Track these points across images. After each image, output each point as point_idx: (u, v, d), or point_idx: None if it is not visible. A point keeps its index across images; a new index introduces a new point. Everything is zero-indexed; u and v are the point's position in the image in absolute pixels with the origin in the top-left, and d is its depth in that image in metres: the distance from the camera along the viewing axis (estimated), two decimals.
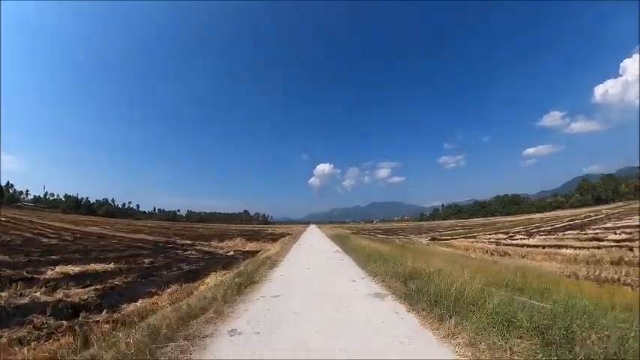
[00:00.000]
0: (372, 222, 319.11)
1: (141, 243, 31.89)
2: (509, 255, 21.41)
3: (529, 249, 23.42)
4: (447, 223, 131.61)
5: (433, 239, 38.27)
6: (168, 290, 10.85)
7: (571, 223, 53.48)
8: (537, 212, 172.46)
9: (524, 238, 32.40)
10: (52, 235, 34.83)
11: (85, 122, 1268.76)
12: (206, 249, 27.21)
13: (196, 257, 21.47)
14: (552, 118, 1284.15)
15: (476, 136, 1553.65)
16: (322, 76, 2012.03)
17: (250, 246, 28.76)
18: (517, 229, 50.39)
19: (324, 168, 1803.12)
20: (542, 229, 45.69)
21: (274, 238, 44.07)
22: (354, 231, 73.10)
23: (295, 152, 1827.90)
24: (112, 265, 16.49)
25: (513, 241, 29.86)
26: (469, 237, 39.82)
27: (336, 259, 16.17)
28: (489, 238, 35.16)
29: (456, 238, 39.30)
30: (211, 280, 11.99)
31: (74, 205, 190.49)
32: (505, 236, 37.03)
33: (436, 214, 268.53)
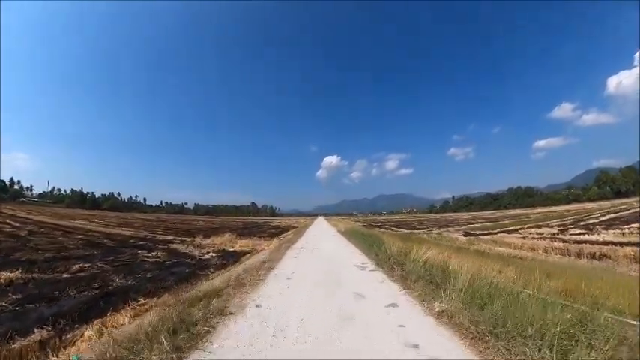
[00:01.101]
0: (381, 214, 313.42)
1: (108, 239, 25.85)
2: (607, 256, 14.93)
3: (613, 246, 17.02)
4: (463, 215, 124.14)
5: (467, 234, 31.77)
6: None
7: (614, 215, 46.51)
8: (553, 205, 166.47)
9: (584, 233, 25.86)
10: (6, 230, 29.08)
11: (95, 121, 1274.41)
12: (182, 248, 20.99)
13: (155, 262, 15.24)
14: (563, 110, 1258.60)
15: (485, 127, 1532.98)
16: (331, 69, 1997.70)
17: (241, 244, 22.49)
18: (555, 222, 43.56)
19: (331, 160, 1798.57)
20: (589, 221, 38.87)
21: (275, 233, 38.28)
22: (366, 224, 66.82)
23: (304, 144, 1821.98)
24: (17, 274, 10.91)
25: (577, 237, 23.28)
26: (509, 231, 33.21)
27: (382, 296, 7.06)
28: (539, 233, 28.59)
29: (493, 232, 32.73)
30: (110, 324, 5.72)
31: (79, 200, 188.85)
32: (554, 230, 30.41)
33: (447, 207, 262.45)
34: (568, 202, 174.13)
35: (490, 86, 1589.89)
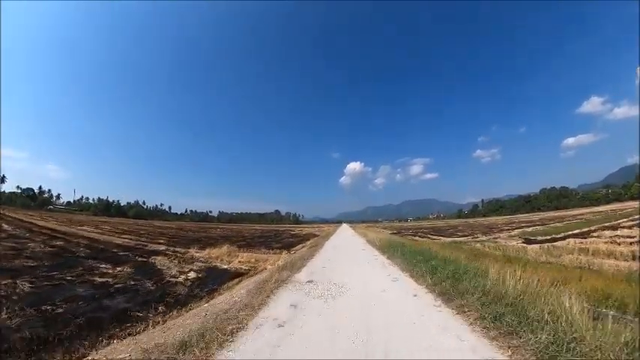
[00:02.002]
0: (407, 220, 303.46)
1: (87, 248, 21.19)
2: None
3: None
4: (499, 219, 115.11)
5: (529, 241, 25.45)
6: None
7: None
8: (592, 205, 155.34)
9: None
10: None
11: (127, 132, 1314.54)
12: (162, 263, 15.93)
13: (101, 285, 10.28)
14: (592, 105, 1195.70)
15: (511, 127, 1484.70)
16: (354, 74, 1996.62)
17: (241, 259, 17.32)
18: (625, 222, 36.19)
19: (354, 166, 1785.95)
20: None
21: (292, 243, 33.19)
22: (395, 231, 60.75)
23: (326, 151, 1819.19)
24: None
25: None
26: (577, 235, 26.66)
27: None
28: (624, 236, 22.20)
29: (559, 238, 26.25)
30: None
31: (104, 208, 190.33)
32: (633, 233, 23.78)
33: (476, 211, 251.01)
34: (608, 202, 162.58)
35: (514, 85, 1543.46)
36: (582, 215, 72.08)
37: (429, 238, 35.69)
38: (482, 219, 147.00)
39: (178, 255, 19.42)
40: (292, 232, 63.16)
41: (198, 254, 19.85)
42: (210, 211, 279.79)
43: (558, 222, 52.53)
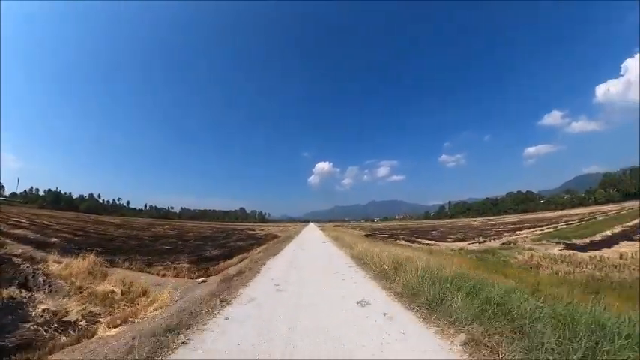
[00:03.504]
0: (373, 221, 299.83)
1: None
2: None
3: None
4: (474, 222, 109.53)
5: (570, 247, 18.24)
6: None
7: None
8: (557, 209, 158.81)
9: None
10: None
11: (90, 124, 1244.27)
12: None
13: None
14: (553, 118, 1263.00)
15: (477, 134, 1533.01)
16: (323, 75, 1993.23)
17: (112, 283, 8.68)
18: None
19: (323, 166, 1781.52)
20: None
21: (240, 247, 24.85)
22: (369, 232, 53.18)
23: (296, 150, 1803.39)
24: None
25: None
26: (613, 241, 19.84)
27: None
28: None
29: (595, 242, 19.26)
30: None
31: (53, 200, 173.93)
32: None
33: (442, 213, 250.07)
34: (573, 206, 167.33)
35: (481, 94, 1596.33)
36: (566, 217, 67.75)
37: (420, 243, 28.05)
38: (454, 221, 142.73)
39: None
40: (250, 233, 54.02)
41: (53, 267, 11.03)
42: (172, 208, 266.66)
43: (564, 224, 46.55)
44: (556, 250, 17.54)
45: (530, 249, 19.16)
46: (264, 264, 11.77)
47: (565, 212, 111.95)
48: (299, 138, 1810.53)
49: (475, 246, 24.44)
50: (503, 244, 24.92)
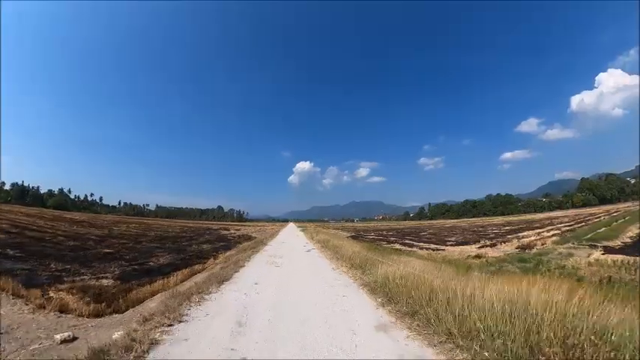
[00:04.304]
0: (353, 221, 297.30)
1: None
2: None
3: None
4: (459, 223, 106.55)
5: (608, 251, 14.31)
6: None
7: None
8: (536, 212, 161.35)
9: None
10: None
11: (74, 120, 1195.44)
12: None
13: None
14: (529, 125, 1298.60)
15: (456, 139, 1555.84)
16: (306, 75, 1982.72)
17: None
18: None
19: (304, 166, 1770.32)
20: None
21: (191, 255, 19.92)
22: (354, 233, 48.90)
23: (276, 149, 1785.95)
24: None
25: None
26: None
27: None
28: None
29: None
30: None
31: (18, 195, 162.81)
32: None
33: (422, 214, 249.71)
34: (551, 209, 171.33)
35: (462, 98, 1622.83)
36: (555, 219, 65.02)
37: (421, 248, 23.65)
38: (435, 222, 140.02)
39: None
40: (221, 234, 48.57)
41: None
42: (147, 205, 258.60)
43: (566, 225, 43.18)
44: (595, 254, 13.63)
45: (570, 255, 15.11)
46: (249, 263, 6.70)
47: (550, 214, 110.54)
48: (280, 137, 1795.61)
49: (492, 251, 20.23)
50: (519, 248, 20.90)
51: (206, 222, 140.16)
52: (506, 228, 49.46)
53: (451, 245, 25.96)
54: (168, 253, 20.34)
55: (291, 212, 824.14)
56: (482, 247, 23.58)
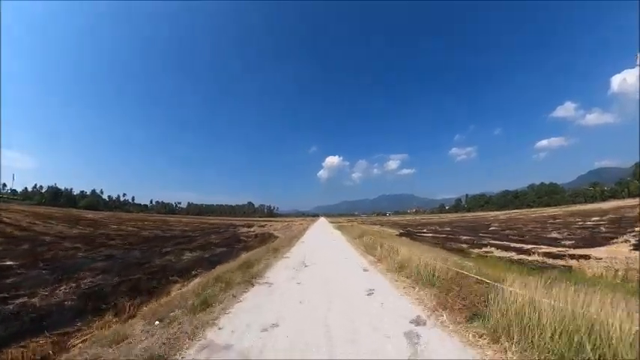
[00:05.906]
0: (385, 214, 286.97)
1: None
2: None
3: None
4: (513, 215, 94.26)
5: None
6: None
7: None
8: (586, 203, 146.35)
9: None
10: None
11: (103, 123, 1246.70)
12: None
13: None
14: (566, 110, 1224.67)
15: (487, 128, 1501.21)
16: (333, 70, 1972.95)
17: None
18: None
19: (332, 160, 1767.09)
20: None
21: (183, 269, 12.53)
22: (400, 230, 40.81)
23: (305, 145, 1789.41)
24: None
25: None
26: None
27: None
28: None
29: None
30: None
31: (52, 197, 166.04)
32: None
33: (459, 206, 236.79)
34: (604, 199, 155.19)
35: (491, 87, 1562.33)
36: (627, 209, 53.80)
37: (531, 253, 15.34)
38: (473, 214, 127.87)
39: None
40: (238, 232, 41.30)
41: None
42: (179, 203, 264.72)
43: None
44: None
45: None
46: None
47: (612, 204, 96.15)
48: (309, 132, 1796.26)
49: None
50: None
51: (233, 218, 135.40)
52: (594, 219, 39.54)
53: (571, 247, 17.39)
54: (141, 265, 12.99)
55: (320, 207, 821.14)
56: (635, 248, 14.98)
